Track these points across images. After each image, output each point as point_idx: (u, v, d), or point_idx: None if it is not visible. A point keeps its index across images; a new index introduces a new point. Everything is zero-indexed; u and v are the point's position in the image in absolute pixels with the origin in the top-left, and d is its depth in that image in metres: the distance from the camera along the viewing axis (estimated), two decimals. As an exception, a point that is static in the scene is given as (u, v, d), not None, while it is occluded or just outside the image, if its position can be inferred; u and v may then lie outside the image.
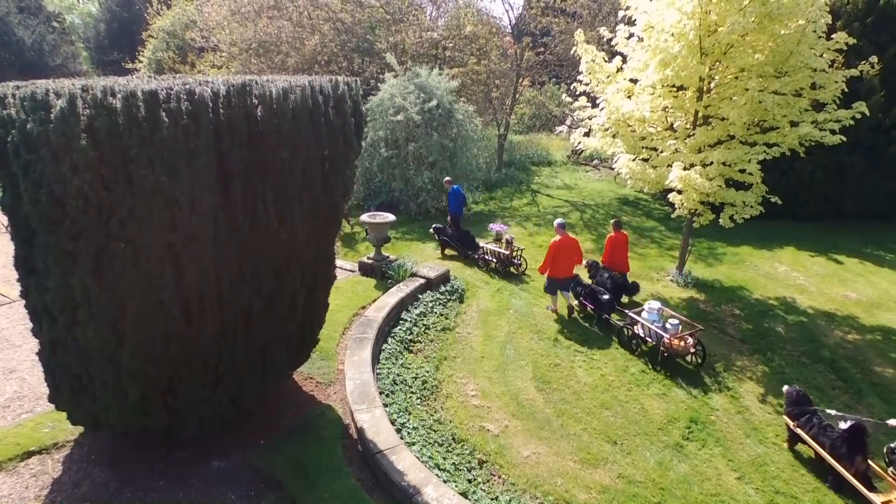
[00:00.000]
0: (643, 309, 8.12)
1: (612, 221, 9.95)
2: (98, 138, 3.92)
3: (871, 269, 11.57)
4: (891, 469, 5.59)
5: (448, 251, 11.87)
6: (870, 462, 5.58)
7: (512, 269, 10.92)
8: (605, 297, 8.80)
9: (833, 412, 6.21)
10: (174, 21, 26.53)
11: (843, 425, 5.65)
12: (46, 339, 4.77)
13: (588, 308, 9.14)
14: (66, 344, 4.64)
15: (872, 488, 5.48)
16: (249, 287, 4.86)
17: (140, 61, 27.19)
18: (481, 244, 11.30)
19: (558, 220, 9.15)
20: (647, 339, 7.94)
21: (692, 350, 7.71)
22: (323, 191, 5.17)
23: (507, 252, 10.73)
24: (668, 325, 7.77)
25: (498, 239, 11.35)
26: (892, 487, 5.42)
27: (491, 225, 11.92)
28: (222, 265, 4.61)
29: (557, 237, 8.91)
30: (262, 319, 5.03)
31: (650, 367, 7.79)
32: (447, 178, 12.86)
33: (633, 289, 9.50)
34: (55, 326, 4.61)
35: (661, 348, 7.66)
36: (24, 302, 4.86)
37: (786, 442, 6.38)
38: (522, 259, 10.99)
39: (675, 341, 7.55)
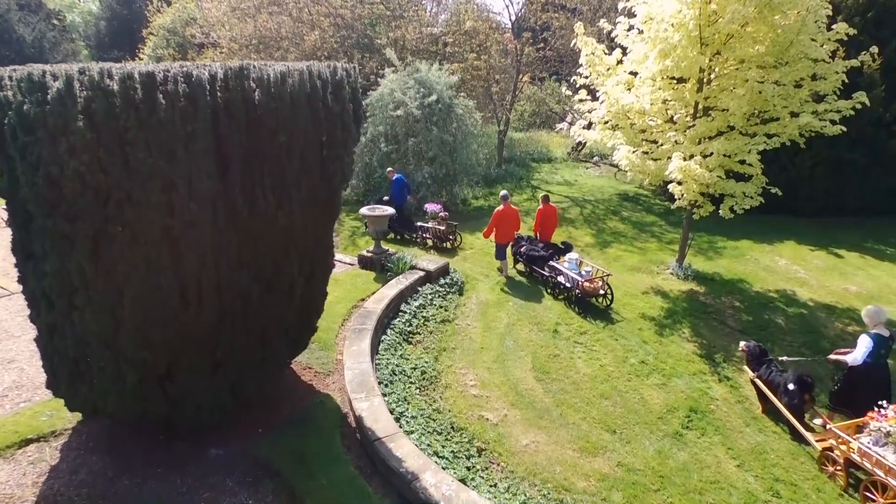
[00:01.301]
0: (565, 260, 9.53)
1: (541, 196, 11.16)
2: (95, 120, 3.89)
3: (872, 263, 11.55)
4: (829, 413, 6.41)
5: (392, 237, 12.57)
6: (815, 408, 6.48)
7: (447, 244, 11.81)
8: (538, 253, 10.13)
9: (785, 358, 6.97)
10: (174, 18, 26.56)
11: (792, 380, 6.37)
12: (44, 324, 4.75)
13: (525, 266, 10.41)
14: (63, 329, 4.62)
15: (809, 428, 6.27)
16: (248, 273, 4.84)
17: (140, 59, 27.22)
18: (417, 224, 12.05)
19: (503, 192, 10.57)
20: (567, 284, 9.24)
21: (601, 291, 9.12)
22: (321, 177, 5.15)
23: (442, 228, 11.65)
24: (582, 272, 9.26)
25: (434, 217, 11.94)
26: (827, 427, 5.93)
27: (427, 205, 12.50)
28: (221, 251, 4.58)
29: (501, 206, 10.11)
30: (260, 306, 5.00)
31: (650, 356, 7.79)
32: (389, 169, 13.35)
33: (567, 248, 10.44)
34: (52, 311, 4.59)
35: (577, 290, 8.99)
36: (23, 295, 4.85)
37: (759, 403, 6.89)
38: (458, 234, 12.02)
39: (587, 283, 8.96)
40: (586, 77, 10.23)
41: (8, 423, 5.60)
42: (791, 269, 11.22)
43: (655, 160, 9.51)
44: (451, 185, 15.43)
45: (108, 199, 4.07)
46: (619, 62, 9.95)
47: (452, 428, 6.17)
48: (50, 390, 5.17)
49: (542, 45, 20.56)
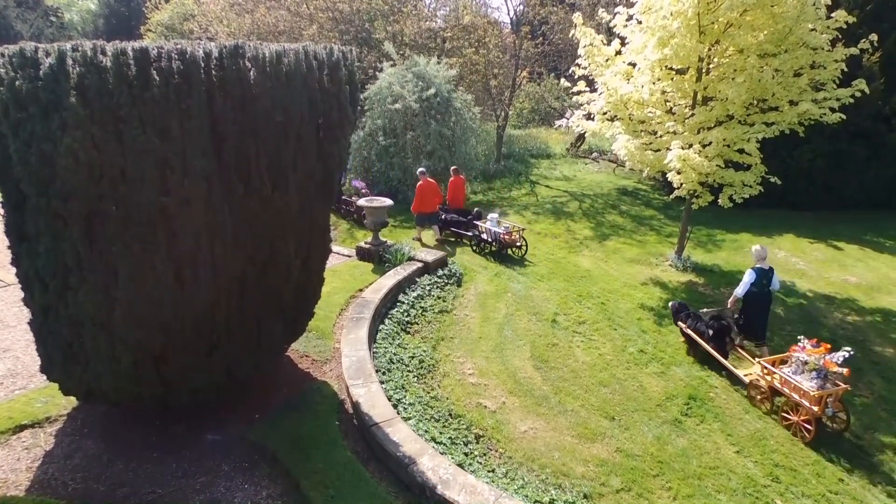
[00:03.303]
0: (487, 220, 11.24)
1: (452, 168, 12.52)
2: (88, 96, 3.86)
3: (871, 255, 11.52)
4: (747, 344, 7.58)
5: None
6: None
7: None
8: (456, 219, 11.79)
9: (705, 310, 7.90)
10: (172, 14, 26.50)
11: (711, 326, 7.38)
12: (38, 306, 4.70)
13: (450, 231, 11.90)
14: (57, 310, 4.58)
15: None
16: (243, 254, 4.80)
17: (138, 55, 27.14)
18: (343, 197, 13.45)
19: (420, 168, 11.91)
20: (490, 240, 10.98)
21: (518, 244, 11.01)
22: (318, 159, 5.11)
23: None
24: (501, 228, 10.92)
25: (356, 193, 13.37)
26: (750, 363, 7.07)
27: (353, 182, 13.55)
28: (215, 231, 4.55)
29: (420, 181, 11.36)
30: (256, 287, 4.97)
31: (648, 345, 7.76)
32: None
33: (478, 216, 11.78)
34: (46, 293, 4.55)
35: (497, 242, 10.84)
36: (17, 277, 4.80)
37: (685, 346, 7.77)
38: None
39: (505, 236, 10.81)
40: (585, 68, 10.18)
41: (2, 410, 5.57)
42: (790, 260, 11.18)
43: (655, 151, 9.46)
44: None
45: (101, 176, 4.03)
46: (618, 52, 9.90)
47: (450, 415, 6.13)
48: (44, 375, 5.13)
49: (540, 39, 20.52)
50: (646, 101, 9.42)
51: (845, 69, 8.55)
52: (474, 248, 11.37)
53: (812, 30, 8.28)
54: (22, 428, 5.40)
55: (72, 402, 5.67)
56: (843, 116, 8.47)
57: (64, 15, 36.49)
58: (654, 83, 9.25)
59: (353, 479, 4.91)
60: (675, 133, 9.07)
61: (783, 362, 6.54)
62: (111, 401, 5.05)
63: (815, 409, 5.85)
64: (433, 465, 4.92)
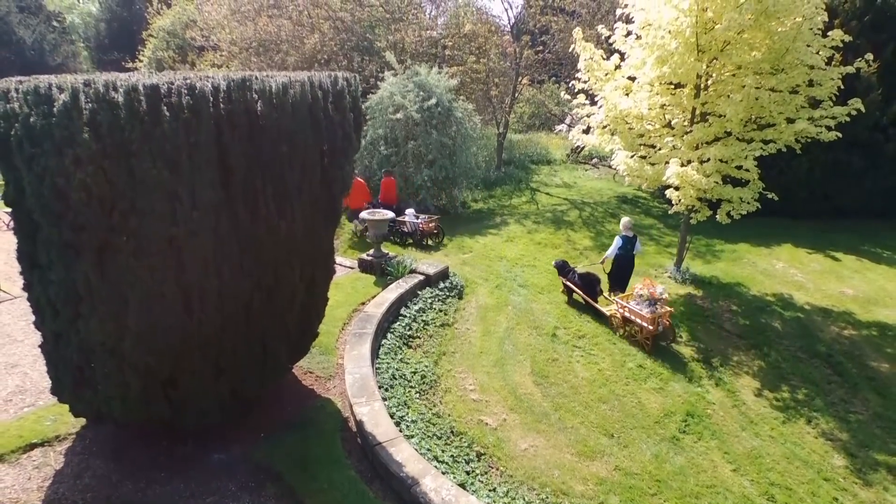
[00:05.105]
0: (406, 214, 12.51)
1: (383, 171, 13.75)
2: (100, 132, 3.96)
3: (868, 266, 11.62)
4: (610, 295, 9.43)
5: None
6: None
7: None
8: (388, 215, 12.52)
9: (580, 267, 10.13)
10: (174, 20, 26.58)
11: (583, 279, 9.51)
12: (49, 331, 4.81)
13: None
14: (68, 336, 4.69)
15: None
16: (250, 281, 4.91)
17: (140, 60, 27.27)
18: None
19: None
20: (410, 230, 12.35)
21: (435, 231, 12.54)
22: (322, 185, 5.22)
23: None
24: (419, 219, 12.38)
25: None
26: (611, 303, 9.09)
27: None
28: (223, 258, 4.65)
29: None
30: (261, 312, 5.07)
31: (647, 360, 7.87)
32: None
33: (401, 211, 12.91)
34: (58, 319, 4.66)
35: (417, 232, 12.22)
36: (25, 298, 4.91)
37: (564, 294, 9.83)
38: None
39: (423, 225, 12.26)
40: (585, 82, 10.28)
41: (12, 428, 5.67)
42: (788, 272, 11.28)
43: (653, 164, 9.57)
44: (450, 188, 15.49)
45: (112, 209, 4.13)
46: (618, 67, 10.00)
47: (452, 432, 6.24)
48: (55, 395, 5.24)
49: (540, 48, 20.62)
50: (645, 115, 9.52)
51: (842, 87, 8.64)
52: (396, 240, 12.47)
53: (808, 47, 8.37)
54: (32, 446, 5.50)
55: (81, 420, 5.76)
56: (840, 135, 8.57)
57: (66, 19, 36.58)
58: (652, 98, 9.36)
59: (357, 500, 5.02)
60: (674, 147, 9.17)
61: (631, 299, 8.56)
62: (120, 422, 5.16)
63: (651, 327, 8.02)
64: (436, 486, 5.02)
